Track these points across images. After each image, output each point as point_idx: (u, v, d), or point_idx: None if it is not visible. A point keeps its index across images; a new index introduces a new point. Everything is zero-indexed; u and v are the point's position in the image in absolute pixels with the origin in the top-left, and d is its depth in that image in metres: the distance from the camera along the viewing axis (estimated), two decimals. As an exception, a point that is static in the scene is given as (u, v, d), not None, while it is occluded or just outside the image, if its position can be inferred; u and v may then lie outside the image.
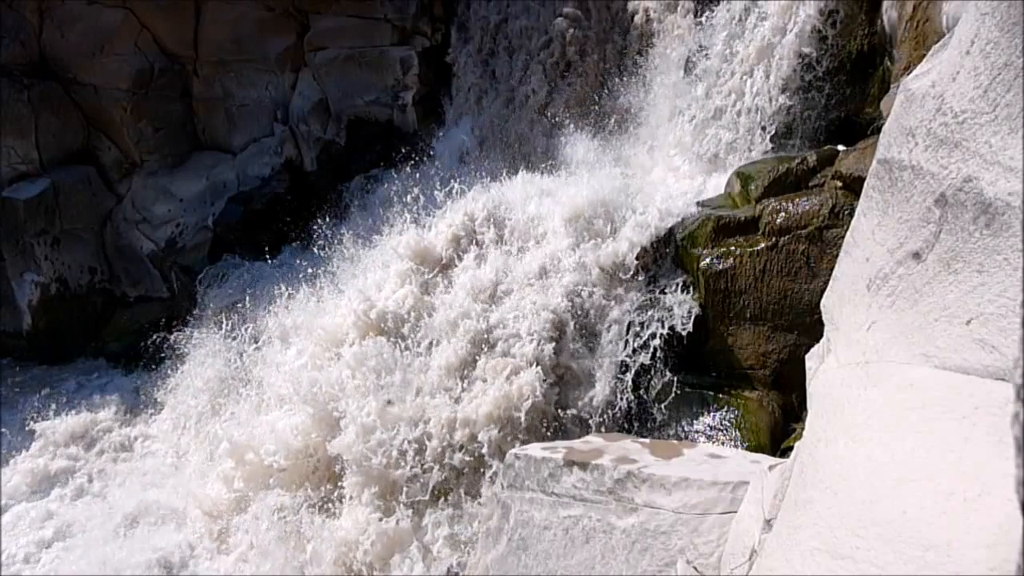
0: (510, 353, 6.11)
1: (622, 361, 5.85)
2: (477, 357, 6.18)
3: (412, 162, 9.21)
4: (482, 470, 5.76)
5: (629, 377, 5.75)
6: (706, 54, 7.76)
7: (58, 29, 10.36)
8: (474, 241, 6.96)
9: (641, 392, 5.71)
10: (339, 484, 6.14)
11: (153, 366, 9.09)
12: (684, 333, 5.60)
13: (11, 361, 10.08)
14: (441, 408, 6.01)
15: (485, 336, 6.24)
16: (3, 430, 8.42)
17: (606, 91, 8.76)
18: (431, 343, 6.47)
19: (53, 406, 8.73)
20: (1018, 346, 1.66)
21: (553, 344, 6.01)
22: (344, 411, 6.25)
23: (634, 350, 5.80)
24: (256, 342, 7.88)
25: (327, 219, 9.14)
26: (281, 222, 9.76)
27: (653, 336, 5.73)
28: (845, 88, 6.67)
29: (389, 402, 6.28)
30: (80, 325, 10.35)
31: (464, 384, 6.14)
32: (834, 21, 6.66)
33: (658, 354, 5.72)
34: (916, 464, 1.76)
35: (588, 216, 6.44)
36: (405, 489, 5.84)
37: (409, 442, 5.92)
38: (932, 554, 1.60)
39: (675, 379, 5.63)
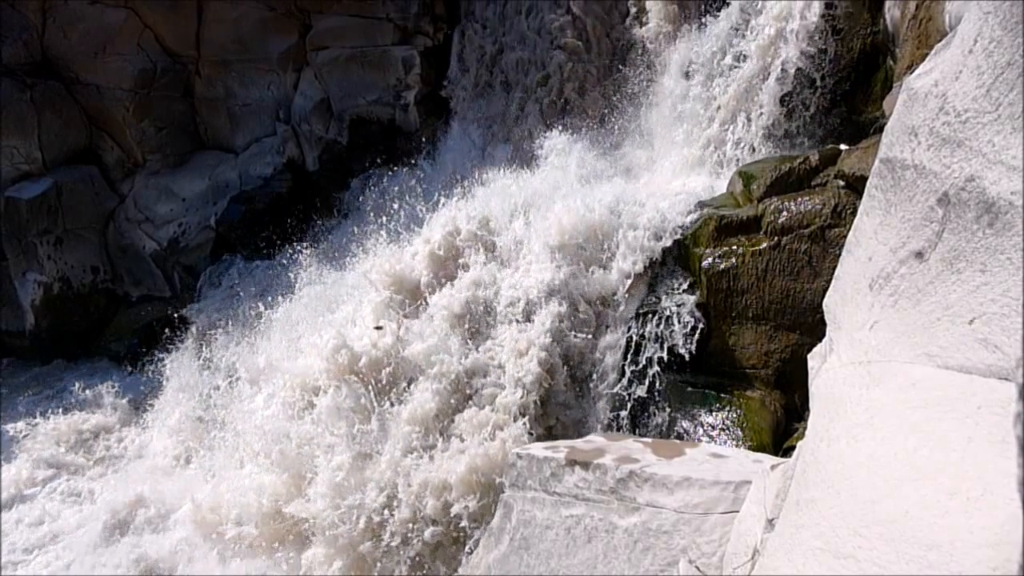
0: (493, 405, 5.43)
1: (616, 395, 5.46)
2: (460, 408, 5.52)
3: (410, 165, 9.09)
4: (463, 540, 5.07)
5: (625, 414, 5.43)
6: (685, 95, 7.33)
7: (60, 29, 10.38)
8: (458, 265, 6.28)
9: (639, 433, 5.40)
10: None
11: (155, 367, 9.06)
12: (686, 352, 5.35)
13: (13, 360, 10.10)
14: (412, 471, 5.29)
15: (466, 382, 5.57)
16: (3, 428, 8.39)
17: (606, 131, 8.32)
18: (409, 382, 5.82)
19: (54, 406, 8.72)
20: (1020, 346, 1.65)
21: (541, 391, 5.43)
22: (315, 467, 5.71)
23: (630, 381, 5.46)
24: (232, 374, 7.46)
25: (304, 239, 8.99)
26: (283, 221, 9.78)
27: (650, 363, 5.39)
28: (840, 131, 6.31)
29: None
30: (82, 325, 10.36)
31: (441, 439, 5.45)
32: (821, 62, 6.31)
33: (657, 386, 5.37)
34: (918, 464, 1.76)
35: (581, 243, 5.86)
36: (378, 565, 5.24)
37: (380, 511, 5.28)
38: (934, 554, 1.60)
39: (677, 416, 5.33)
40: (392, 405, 5.78)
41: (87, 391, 8.80)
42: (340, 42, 10.15)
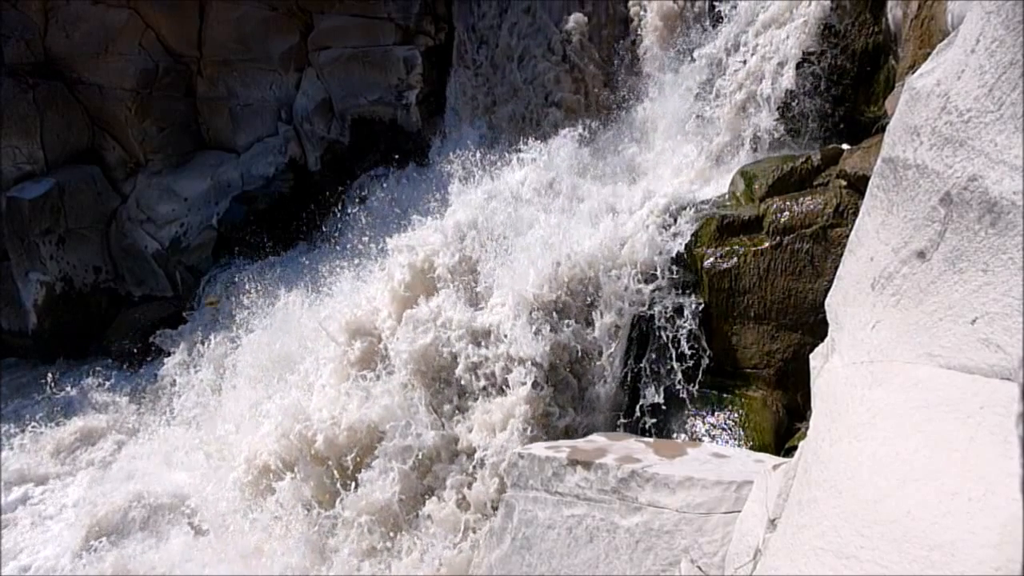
0: (461, 498, 4.64)
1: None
2: (427, 494, 4.73)
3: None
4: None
5: None
6: (658, 159, 6.81)
7: (63, 29, 10.38)
8: (421, 299, 5.56)
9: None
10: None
11: (157, 365, 9.04)
12: (686, 395, 5.12)
13: (16, 360, 10.11)
14: None
15: (433, 471, 4.83)
16: (3, 429, 8.38)
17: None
18: (373, 449, 5.11)
19: (56, 406, 8.71)
20: (1022, 345, 1.65)
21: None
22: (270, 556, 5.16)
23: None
24: (192, 431, 7.13)
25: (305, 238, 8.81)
26: (285, 221, 9.78)
27: (644, 412, 5.12)
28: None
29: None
30: (85, 324, 10.37)
31: (407, 536, 4.69)
32: (797, 129, 5.83)
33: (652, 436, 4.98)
34: (920, 463, 1.76)
35: (562, 296, 5.28)
36: None
37: None
38: (937, 554, 1.60)
39: (676, 418, 5.09)
40: (357, 487, 5.10)
41: (93, 390, 8.77)
42: (342, 42, 10.15)
